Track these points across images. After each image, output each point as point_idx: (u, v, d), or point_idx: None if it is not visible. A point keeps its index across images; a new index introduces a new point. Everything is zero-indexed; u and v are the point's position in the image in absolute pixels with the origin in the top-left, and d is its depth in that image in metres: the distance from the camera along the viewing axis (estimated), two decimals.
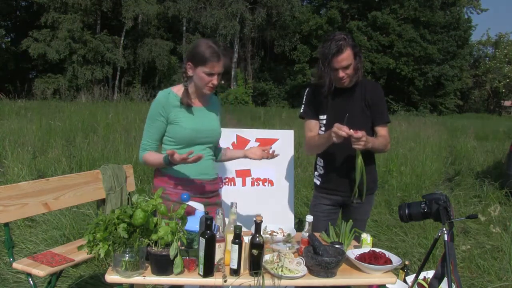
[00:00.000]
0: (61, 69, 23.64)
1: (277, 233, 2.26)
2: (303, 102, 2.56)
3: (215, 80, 2.15)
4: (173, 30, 28.02)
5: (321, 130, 2.51)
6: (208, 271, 1.75)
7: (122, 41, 25.07)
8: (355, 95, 2.45)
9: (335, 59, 2.27)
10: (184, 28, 27.37)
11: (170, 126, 2.19)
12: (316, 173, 2.62)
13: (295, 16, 28.04)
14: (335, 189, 2.52)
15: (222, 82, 26.91)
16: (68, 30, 22.42)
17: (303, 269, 1.84)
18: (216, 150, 2.43)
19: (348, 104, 2.43)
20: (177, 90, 2.23)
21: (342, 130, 2.16)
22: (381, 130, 2.48)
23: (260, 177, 3.22)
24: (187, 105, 2.19)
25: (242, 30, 27.00)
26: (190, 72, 2.17)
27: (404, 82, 29.05)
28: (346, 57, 2.27)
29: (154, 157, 2.21)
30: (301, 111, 2.56)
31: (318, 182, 2.60)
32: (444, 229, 1.96)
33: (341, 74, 2.32)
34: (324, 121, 2.49)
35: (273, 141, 3.26)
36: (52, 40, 22.82)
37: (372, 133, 2.49)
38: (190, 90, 2.22)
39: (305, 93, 2.57)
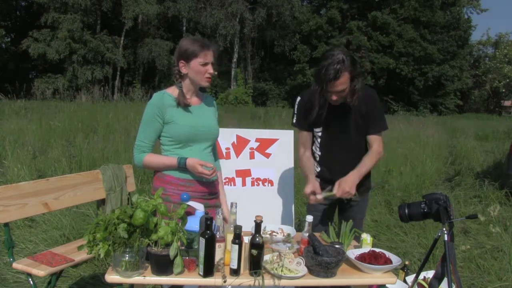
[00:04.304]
0: (61, 69, 23.66)
1: (277, 233, 2.26)
2: (295, 112, 2.53)
3: (210, 69, 2.18)
4: (173, 30, 28.02)
5: (317, 142, 2.52)
6: (208, 271, 1.75)
7: (122, 41, 25.08)
8: (349, 107, 2.41)
9: (330, 84, 2.21)
10: (184, 28, 27.38)
11: (166, 126, 2.19)
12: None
13: (295, 16, 28.06)
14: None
15: (222, 81, 26.97)
16: (68, 30, 22.43)
17: (303, 269, 1.84)
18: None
19: (342, 117, 2.42)
20: (171, 91, 2.24)
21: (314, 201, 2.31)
22: (374, 140, 2.48)
23: (260, 177, 3.22)
24: (184, 105, 2.20)
25: (242, 30, 27.01)
26: (184, 70, 2.18)
27: (404, 82, 29.07)
28: (342, 82, 2.21)
29: (157, 160, 2.21)
30: (294, 121, 2.54)
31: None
32: (444, 229, 1.96)
33: (334, 97, 2.29)
34: (320, 133, 2.49)
35: (273, 141, 3.26)
36: (52, 40, 22.84)
37: (365, 143, 2.53)
38: (184, 90, 2.23)
39: (297, 103, 2.53)
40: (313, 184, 2.40)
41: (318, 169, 2.56)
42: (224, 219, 2.20)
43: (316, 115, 2.40)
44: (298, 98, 2.53)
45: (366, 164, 2.41)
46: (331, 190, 2.35)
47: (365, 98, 2.40)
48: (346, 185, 2.30)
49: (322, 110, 2.37)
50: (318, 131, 2.49)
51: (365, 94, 2.40)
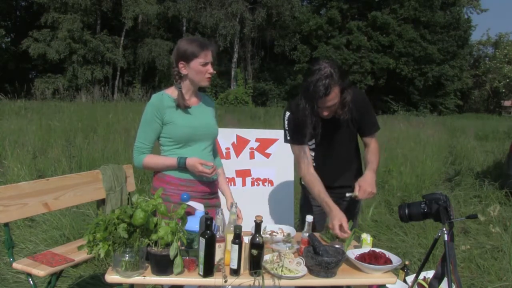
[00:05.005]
0: (61, 69, 23.66)
1: (277, 233, 2.26)
2: (286, 128, 2.44)
3: (211, 69, 2.19)
4: (173, 30, 28.04)
5: (311, 155, 2.49)
6: (208, 271, 1.75)
7: (122, 41, 25.10)
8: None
9: (321, 101, 2.12)
10: (184, 28, 27.40)
11: (166, 126, 2.19)
12: None
13: (295, 16, 28.07)
14: (327, 191, 2.52)
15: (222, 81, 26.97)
16: (68, 30, 22.45)
17: (303, 269, 1.84)
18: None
19: (336, 127, 2.38)
20: (171, 92, 2.24)
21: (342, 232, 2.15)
22: (370, 141, 2.47)
23: (260, 177, 3.22)
24: (184, 107, 2.19)
25: (242, 30, 27.02)
26: (184, 71, 2.18)
27: (404, 82, 29.05)
28: (332, 97, 2.12)
29: (157, 161, 2.21)
30: (288, 138, 2.46)
31: None
32: (444, 229, 1.96)
33: (325, 113, 2.23)
34: (313, 146, 2.46)
35: (273, 141, 3.26)
36: (52, 40, 22.85)
37: (356, 147, 2.53)
38: (184, 90, 2.23)
39: (286, 119, 2.43)
40: (340, 217, 2.17)
41: None
42: (238, 216, 2.22)
43: (310, 134, 2.34)
44: (288, 114, 2.42)
45: (373, 160, 2.41)
46: (352, 192, 2.31)
47: (356, 102, 2.32)
48: (368, 186, 2.26)
49: (316, 130, 2.29)
50: (312, 143, 2.47)
51: (355, 97, 2.30)
